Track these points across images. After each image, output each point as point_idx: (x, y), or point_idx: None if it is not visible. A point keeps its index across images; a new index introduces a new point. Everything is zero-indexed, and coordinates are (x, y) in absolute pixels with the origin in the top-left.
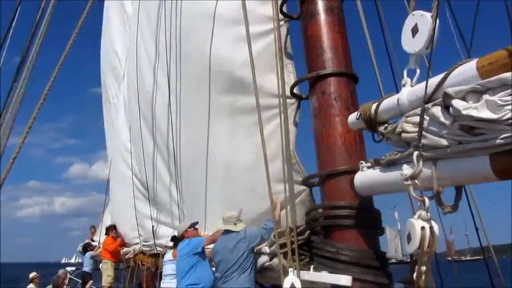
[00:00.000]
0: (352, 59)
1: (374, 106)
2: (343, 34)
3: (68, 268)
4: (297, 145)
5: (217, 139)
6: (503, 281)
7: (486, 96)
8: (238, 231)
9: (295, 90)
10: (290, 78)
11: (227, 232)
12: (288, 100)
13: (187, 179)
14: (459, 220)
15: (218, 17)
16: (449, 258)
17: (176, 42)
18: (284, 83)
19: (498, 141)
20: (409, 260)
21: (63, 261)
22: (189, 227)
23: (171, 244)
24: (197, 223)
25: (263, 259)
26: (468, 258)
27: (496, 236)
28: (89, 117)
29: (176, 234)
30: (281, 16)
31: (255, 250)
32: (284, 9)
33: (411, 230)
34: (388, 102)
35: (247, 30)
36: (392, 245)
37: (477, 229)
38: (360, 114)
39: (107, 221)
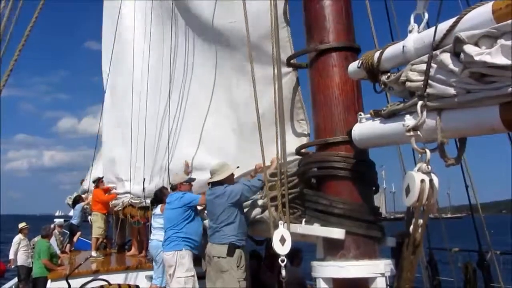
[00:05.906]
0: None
1: (377, 53)
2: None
3: (56, 220)
4: None
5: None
6: (488, 236)
7: (501, 41)
8: (223, 186)
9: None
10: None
11: (213, 185)
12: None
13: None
14: (440, 178)
15: None
16: (432, 216)
17: None
18: (285, 148)
19: (510, 89)
20: (392, 217)
21: (56, 213)
22: (186, 181)
23: None
24: (194, 179)
25: (255, 212)
26: (449, 215)
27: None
28: (81, 71)
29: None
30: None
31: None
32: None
33: (410, 182)
34: (393, 49)
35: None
36: (377, 202)
37: (467, 187)
38: (362, 62)
39: (96, 173)
